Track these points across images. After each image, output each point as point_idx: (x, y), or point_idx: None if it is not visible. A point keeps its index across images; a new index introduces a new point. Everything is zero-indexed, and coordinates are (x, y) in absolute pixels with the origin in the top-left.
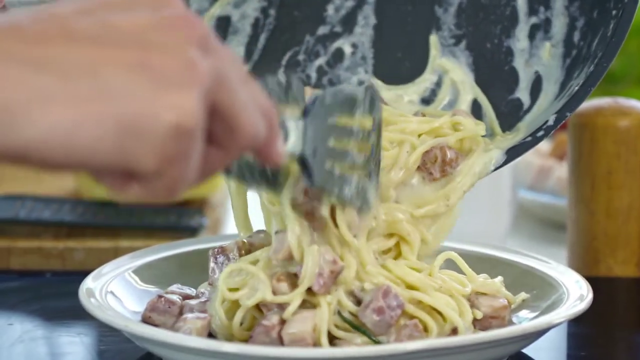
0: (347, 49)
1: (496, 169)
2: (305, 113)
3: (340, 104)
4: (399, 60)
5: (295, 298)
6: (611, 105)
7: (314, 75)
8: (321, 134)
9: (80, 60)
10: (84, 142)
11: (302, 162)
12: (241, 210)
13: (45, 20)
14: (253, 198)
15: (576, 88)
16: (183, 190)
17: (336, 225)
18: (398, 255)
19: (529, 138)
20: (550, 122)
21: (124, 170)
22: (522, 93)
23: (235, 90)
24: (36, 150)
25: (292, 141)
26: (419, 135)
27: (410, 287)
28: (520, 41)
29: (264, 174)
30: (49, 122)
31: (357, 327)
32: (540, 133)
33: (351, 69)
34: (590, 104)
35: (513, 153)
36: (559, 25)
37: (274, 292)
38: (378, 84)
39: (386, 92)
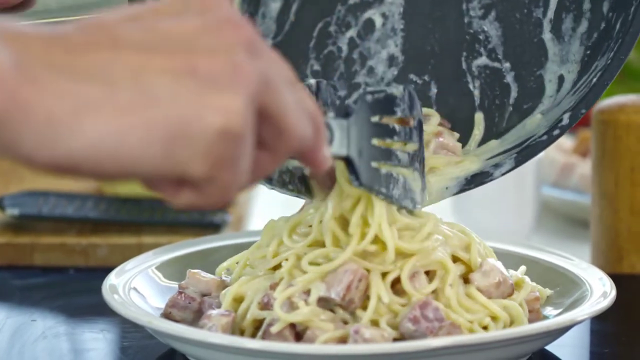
0: (378, 20)
1: (508, 171)
2: (348, 113)
3: (382, 103)
4: (429, 32)
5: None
6: (635, 102)
7: (345, 47)
8: (365, 133)
9: (127, 68)
10: (133, 151)
11: (348, 162)
12: None
13: (92, 29)
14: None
15: (594, 79)
16: (235, 194)
17: None
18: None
19: (545, 137)
20: (566, 121)
21: (175, 177)
22: (549, 72)
23: (282, 93)
24: (85, 161)
25: (336, 142)
26: None
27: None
28: (548, 14)
29: (304, 180)
30: (97, 132)
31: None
32: (556, 132)
33: (381, 42)
34: (613, 100)
35: (528, 153)
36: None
37: None
38: None
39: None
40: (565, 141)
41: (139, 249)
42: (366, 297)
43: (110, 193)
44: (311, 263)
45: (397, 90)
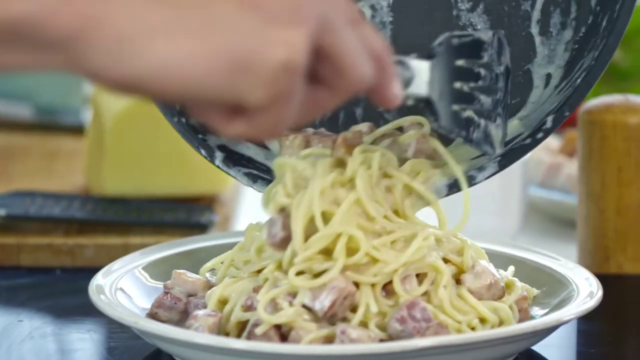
0: (367, 12)
1: (491, 175)
2: (431, 55)
3: (468, 47)
4: (418, 25)
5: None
6: (621, 102)
7: None
8: (448, 76)
9: None
10: (199, 74)
11: (428, 104)
12: None
13: None
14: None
15: (578, 80)
16: (285, 128)
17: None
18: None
19: (528, 140)
20: (549, 124)
21: (232, 104)
22: (536, 67)
23: (341, 33)
24: (152, 81)
25: (417, 83)
26: None
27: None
28: (536, 7)
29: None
30: (166, 53)
31: None
32: (540, 135)
33: None
34: (600, 100)
35: (512, 156)
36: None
37: None
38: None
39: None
40: (552, 141)
41: (126, 250)
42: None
43: (97, 193)
44: (298, 273)
45: (485, 35)
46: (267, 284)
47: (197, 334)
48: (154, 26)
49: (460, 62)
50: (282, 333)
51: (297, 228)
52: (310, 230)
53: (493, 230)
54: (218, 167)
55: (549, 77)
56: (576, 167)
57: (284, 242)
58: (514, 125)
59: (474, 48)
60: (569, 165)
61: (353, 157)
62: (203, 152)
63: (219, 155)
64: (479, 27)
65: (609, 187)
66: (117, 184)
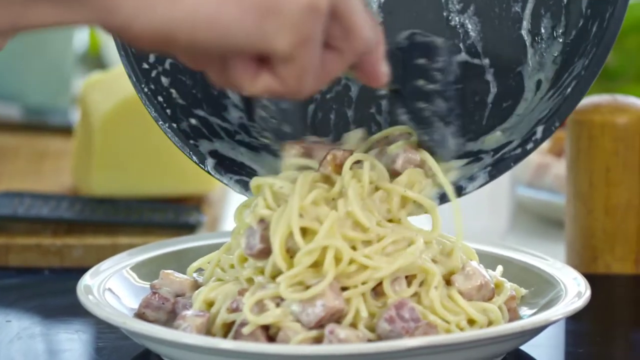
0: None
1: (482, 185)
2: (399, 48)
3: (427, 48)
4: (409, 26)
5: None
6: (609, 102)
7: None
8: (413, 73)
9: None
10: (227, 20)
11: (399, 97)
12: None
13: None
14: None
15: (568, 90)
16: (310, 85)
17: None
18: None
19: (518, 150)
20: (539, 135)
21: (259, 53)
22: (527, 70)
23: None
24: (181, 30)
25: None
26: None
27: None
28: (527, 9)
29: (277, 134)
30: (195, 2)
31: None
32: (530, 145)
33: None
34: (588, 100)
35: (501, 166)
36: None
37: None
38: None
39: None
40: None
41: (114, 250)
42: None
43: (85, 193)
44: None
45: (440, 40)
46: (253, 286)
47: (186, 334)
48: None
49: (421, 61)
50: (270, 335)
51: (277, 244)
52: (291, 243)
53: (481, 231)
54: (209, 173)
55: (539, 83)
56: (564, 167)
57: (262, 253)
58: (497, 136)
59: (431, 50)
60: (557, 165)
61: (343, 174)
62: (194, 158)
63: (210, 162)
64: (469, 28)
65: (597, 187)
66: (105, 185)
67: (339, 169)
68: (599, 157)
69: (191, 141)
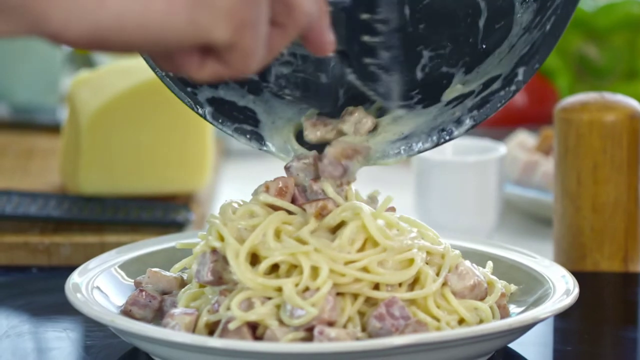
0: None
1: (469, 129)
2: (343, 7)
3: (366, 3)
4: None
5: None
6: (597, 100)
7: None
8: (356, 29)
9: None
10: (158, 18)
11: (344, 56)
12: None
13: None
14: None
15: (548, 26)
16: (256, 63)
17: None
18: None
19: (502, 92)
20: (520, 76)
21: (199, 45)
22: None
23: None
24: (112, 32)
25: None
26: None
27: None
28: None
29: (300, 86)
30: (120, 2)
31: None
32: (513, 87)
33: None
34: (575, 98)
35: (486, 109)
36: None
37: None
38: None
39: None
40: (528, 139)
41: (102, 248)
42: None
43: (73, 192)
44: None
45: None
46: (237, 289)
47: (174, 333)
48: None
49: (365, 16)
50: (257, 336)
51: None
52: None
53: (469, 228)
54: (209, 122)
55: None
56: (552, 165)
57: (211, 284)
58: (458, 89)
59: (373, 3)
60: (545, 163)
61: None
62: (192, 106)
63: (208, 110)
64: None
65: (585, 185)
66: (93, 183)
67: (320, 216)
68: (587, 155)
69: (189, 88)
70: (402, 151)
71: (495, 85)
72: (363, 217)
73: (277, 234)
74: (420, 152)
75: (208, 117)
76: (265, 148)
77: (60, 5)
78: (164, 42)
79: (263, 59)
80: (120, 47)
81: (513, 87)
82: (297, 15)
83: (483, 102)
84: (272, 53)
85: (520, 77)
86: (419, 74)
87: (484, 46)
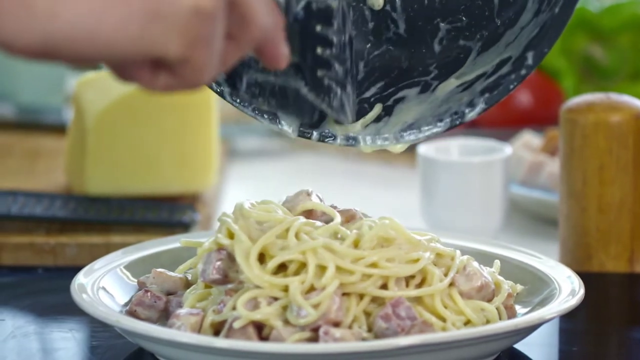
0: None
1: (481, 112)
2: (295, 19)
3: (323, 13)
4: None
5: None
6: (603, 100)
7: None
8: (310, 42)
9: None
10: (109, 31)
11: (298, 69)
12: None
13: None
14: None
15: (556, 9)
16: (209, 77)
17: None
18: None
19: (512, 75)
20: (530, 60)
21: (151, 58)
22: None
23: None
24: (62, 44)
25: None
26: None
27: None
28: None
29: (274, 93)
30: (72, 14)
31: None
32: (523, 72)
33: None
34: (581, 99)
35: (498, 93)
36: None
37: None
38: None
39: None
40: (534, 139)
41: (108, 249)
42: None
43: (79, 192)
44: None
45: (333, 2)
46: (243, 288)
47: (180, 333)
48: None
49: (319, 28)
50: (263, 337)
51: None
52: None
53: (475, 229)
54: (228, 101)
55: None
56: (558, 166)
57: (216, 283)
58: (451, 82)
59: (327, 15)
60: (551, 163)
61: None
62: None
63: (226, 90)
64: None
65: (591, 186)
66: (99, 183)
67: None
68: (593, 156)
69: None
70: (412, 135)
71: (506, 69)
72: (390, 218)
73: (297, 236)
74: (430, 136)
75: (227, 97)
76: (280, 127)
77: (10, 14)
78: (115, 55)
79: (216, 72)
80: (72, 58)
81: (523, 72)
82: (252, 29)
83: (495, 85)
84: (225, 66)
85: (529, 62)
86: (437, 47)
87: (498, 22)
